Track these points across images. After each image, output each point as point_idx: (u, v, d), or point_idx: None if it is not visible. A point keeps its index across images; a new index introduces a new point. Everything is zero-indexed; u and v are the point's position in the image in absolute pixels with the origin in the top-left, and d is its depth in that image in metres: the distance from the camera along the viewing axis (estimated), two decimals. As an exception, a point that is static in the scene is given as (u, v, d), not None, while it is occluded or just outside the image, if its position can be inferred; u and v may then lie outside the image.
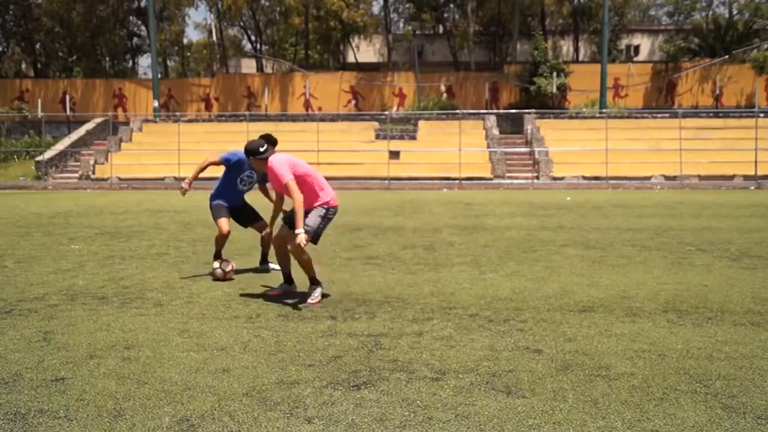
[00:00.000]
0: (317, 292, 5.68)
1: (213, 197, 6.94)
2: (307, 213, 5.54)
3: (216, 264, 6.69)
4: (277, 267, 6.42)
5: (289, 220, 5.75)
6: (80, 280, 6.66)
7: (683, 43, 36.24)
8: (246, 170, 6.78)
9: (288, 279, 6.07)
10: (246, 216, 7.12)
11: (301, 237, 5.25)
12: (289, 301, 5.68)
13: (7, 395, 3.55)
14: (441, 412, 3.30)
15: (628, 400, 3.43)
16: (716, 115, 29.49)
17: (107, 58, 43.04)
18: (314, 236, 5.58)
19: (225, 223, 6.82)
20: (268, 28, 41.95)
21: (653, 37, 42.69)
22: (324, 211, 5.60)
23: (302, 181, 5.51)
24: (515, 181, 24.79)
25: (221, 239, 6.85)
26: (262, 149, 5.62)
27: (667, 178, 24.55)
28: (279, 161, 5.52)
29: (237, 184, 6.85)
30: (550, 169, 25.11)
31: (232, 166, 6.77)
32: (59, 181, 26.49)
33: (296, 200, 5.32)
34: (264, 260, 7.27)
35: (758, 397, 3.46)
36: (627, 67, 34.76)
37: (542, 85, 31.33)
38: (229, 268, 6.67)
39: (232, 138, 27.28)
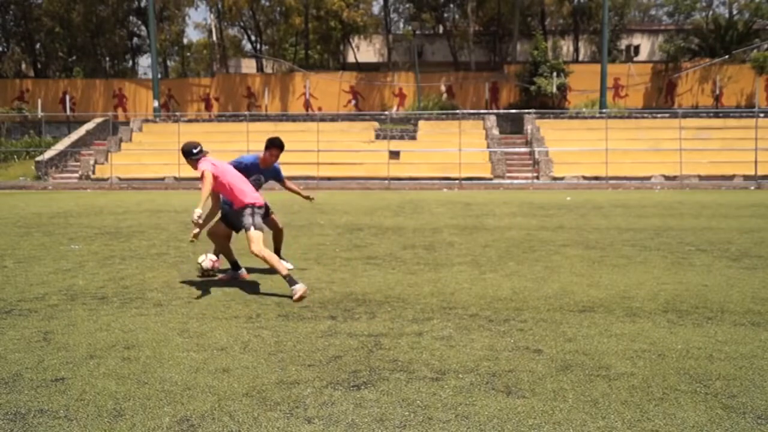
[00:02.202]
0: (296, 287, 5.76)
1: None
2: (238, 212, 6.15)
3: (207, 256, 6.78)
4: (289, 265, 7.00)
5: (226, 218, 6.46)
6: (80, 280, 6.66)
7: (683, 43, 36.23)
8: (254, 173, 6.87)
9: (235, 266, 6.72)
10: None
11: (195, 214, 5.76)
12: (289, 301, 5.69)
13: (7, 395, 3.55)
14: (441, 412, 3.30)
15: (628, 400, 3.43)
16: (716, 115, 29.49)
17: (107, 58, 43.05)
18: (259, 227, 6.08)
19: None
20: (268, 28, 41.95)
21: (653, 37, 42.69)
22: (250, 209, 6.10)
23: (223, 184, 6.09)
24: (515, 181, 24.79)
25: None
26: (194, 150, 6.11)
27: (667, 178, 24.55)
28: (207, 162, 6.10)
29: None
30: (550, 169, 25.11)
31: (241, 170, 6.78)
32: (59, 181, 26.49)
33: (205, 188, 5.92)
34: (278, 254, 7.25)
35: (758, 397, 3.47)
36: (627, 67, 34.77)
37: (542, 85, 31.33)
38: (213, 264, 6.77)
39: (232, 138, 27.33)
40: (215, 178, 6.04)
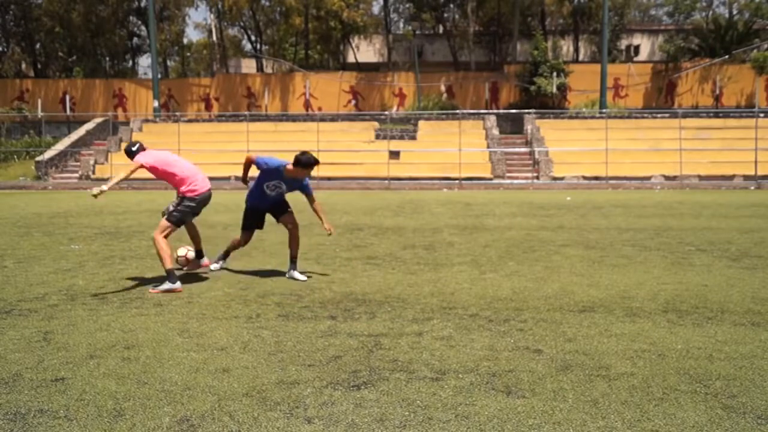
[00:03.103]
0: (164, 285, 6.09)
1: (248, 197, 6.98)
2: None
3: (182, 251, 7.12)
4: (302, 278, 6.73)
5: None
6: (80, 280, 6.66)
7: (683, 43, 36.23)
8: (273, 179, 6.66)
9: (198, 254, 7.10)
10: (279, 209, 6.96)
11: (95, 191, 6.21)
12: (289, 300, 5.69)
13: (7, 395, 3.55)
14: (441, 412, 3.30)
15: (628, 400, 3.43)
16: (716, 115, 29.48)
17: (107, 58, 43.05)
18: (174, 220, 6.39)
19: (247, 236, 7.07)
20: (268, 28, 41.95)
21: (653, 37, 42.67)
22: (180, 199, 6.47)
23: (165, 174, 6.46)
24: (515, 181, 24.79)
25: (237, 245, 7.17)
26: (133, 148, 6.57)
27: (667, 178, 24.55)
28: (145, 156, 6.51)
29: (264, 189, 6.77)
30: (550, 169, 25.11)
31: (263, 171, 6.69)
32: (59, 181, 26.48)
33: (123, 172, 6.41)
34: (293, 262, 6.87)
35: (758, 397, 3.47)
36: (627, 67, 34.75)
37: (542, 85, 31.32)
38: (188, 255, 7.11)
39: (232, 138, 27.33)
40: (154, 168, 6.44)
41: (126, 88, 36.24)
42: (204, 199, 6.56)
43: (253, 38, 43.26)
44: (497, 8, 38.80)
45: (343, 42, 40.73)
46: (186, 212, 6.46)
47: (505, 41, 40.61)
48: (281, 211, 6.95)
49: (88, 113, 34.05)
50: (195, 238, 7.11)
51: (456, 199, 17.74)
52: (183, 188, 6.42)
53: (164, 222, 6.35)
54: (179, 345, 4.43)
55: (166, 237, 6.28)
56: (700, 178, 24.41)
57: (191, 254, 7.13)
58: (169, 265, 6.11)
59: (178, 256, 7.01)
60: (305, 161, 6.41)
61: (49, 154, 27.65)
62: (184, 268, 7.07)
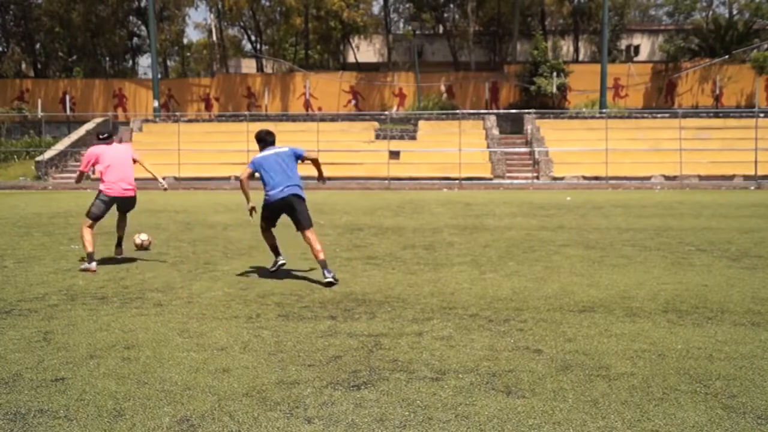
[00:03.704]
0: (84, 264, 7.22)
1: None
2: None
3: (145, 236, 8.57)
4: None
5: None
6: (80, 280, 6.66)
7: (683, 43, 36.22)
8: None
9: (118, 242, 8.03)
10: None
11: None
12: (289, 300, 5.69)
13: (7, 395, 3.55)
14: (441, 412, 3.30)
15: (628, 400, 3.43)
16: (716, 115, 29.47)
17: (107, 58, 43.05)
18: (92, 217, 7.42)
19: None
20: (269, 28, 41.95)
21: (653, 37, 42.66)
22: (97, 193, 7.54)
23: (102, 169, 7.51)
24: (515, 181, 24.78)
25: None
26: (100, 136, 7.82)
27: (667, 178, 24.54)
28: (89, 152, 7.69)
29: None
30: (550, 169, 25.10)
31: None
32: (59, 181, 26.47)
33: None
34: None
35: (758, 397, 3.47)
36: (627, 67, 34.75)
37: (542, 85, 31.31)
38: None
39: (232, 138, 27.29)
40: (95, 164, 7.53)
41: (126, 88, 36.23)
42: (115, 200, 7.53)
43: (253, 38, 43.28)
44: (497, 8, 38.79)
45: (343, 42, 40.73)
46: (99, 206, 7.43)
47: (505, 41, 40.61)
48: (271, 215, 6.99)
49: (88, 113, 34.04)
50: (120, 229, 7.99)
51: (456, 199, 17.73)
52: (100, 187, 7.50)
53: (85, 218, 7.44)
54: (179, 345, 4.43)
55: (89, 228, 7.35)
56: (700, 178, 24.41)
57: (146, 242, 8.53)
58: (89, 249, 7.19)
59: (137, 244, 8.46)
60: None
61: (49, 154, 27.64)
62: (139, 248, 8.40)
